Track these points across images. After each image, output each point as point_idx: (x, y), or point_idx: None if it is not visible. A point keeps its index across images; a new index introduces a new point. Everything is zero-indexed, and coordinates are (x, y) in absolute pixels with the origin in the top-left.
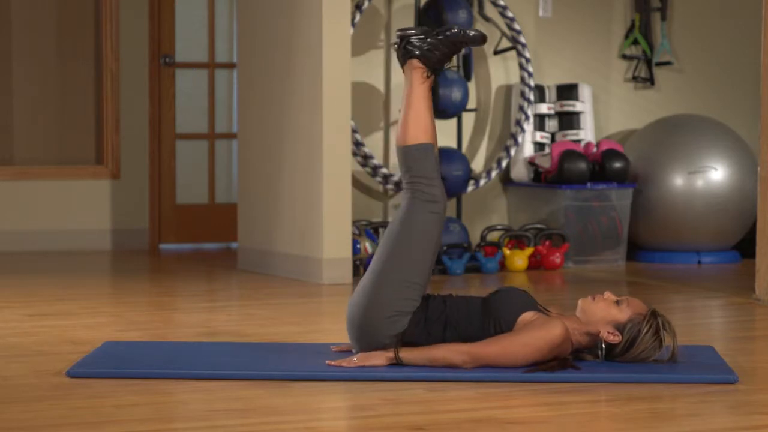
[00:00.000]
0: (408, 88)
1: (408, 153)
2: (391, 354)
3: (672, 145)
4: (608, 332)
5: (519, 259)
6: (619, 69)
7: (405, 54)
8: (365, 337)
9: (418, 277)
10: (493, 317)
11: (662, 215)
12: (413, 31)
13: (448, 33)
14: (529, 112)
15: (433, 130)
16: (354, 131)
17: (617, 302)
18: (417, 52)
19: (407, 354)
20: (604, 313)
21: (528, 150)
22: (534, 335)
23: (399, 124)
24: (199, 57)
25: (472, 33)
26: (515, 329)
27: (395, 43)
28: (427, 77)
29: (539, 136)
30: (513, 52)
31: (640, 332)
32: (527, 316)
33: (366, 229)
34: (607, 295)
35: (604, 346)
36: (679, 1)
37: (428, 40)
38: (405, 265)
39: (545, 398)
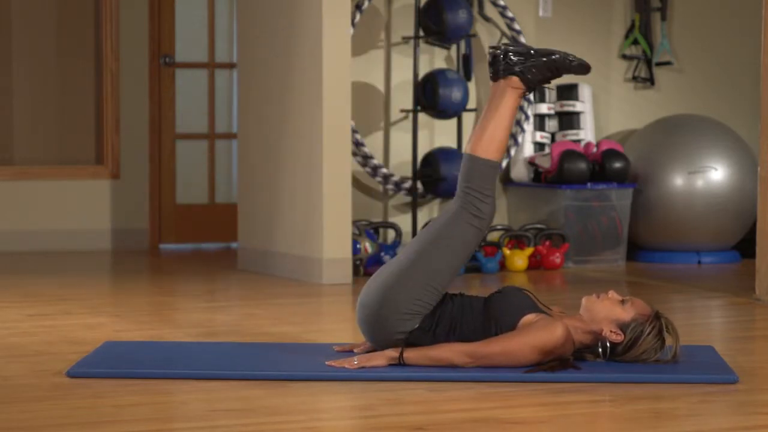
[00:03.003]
0: (498, 101)
1: (476, 164)
2: (391, 353)
3: (672, 145)
4: (611, 331)
5: (519, 259)
6: (619, 69)
7: (506, 69)
8: (374, 326)
9: (440, 284)
10: (494, 321)
11: (662, 215)
12: (513, 48)
13: (553, 57)
14: (529, 112)
15: (505, 150)
16: (354, 131)
17: (622, 302)
18: (518, 70)
19: (408, 353)
20: (607, 311)
21: (528, 150)
22: (535, 336)
23: (478, 130)
24: (199, 57)
25: (575, 62)
26: (517, 329)
27: (494, 56)
28: (520, 96)
29: (539, 136)
30: None
31: (643, 333)
32: (528, 318)
33: (366, 229)
34: (612, 294)
35: (607, 344)
36: (679, 1)
37: (531, 60)
38: (433, 268)
39: (545, 398)
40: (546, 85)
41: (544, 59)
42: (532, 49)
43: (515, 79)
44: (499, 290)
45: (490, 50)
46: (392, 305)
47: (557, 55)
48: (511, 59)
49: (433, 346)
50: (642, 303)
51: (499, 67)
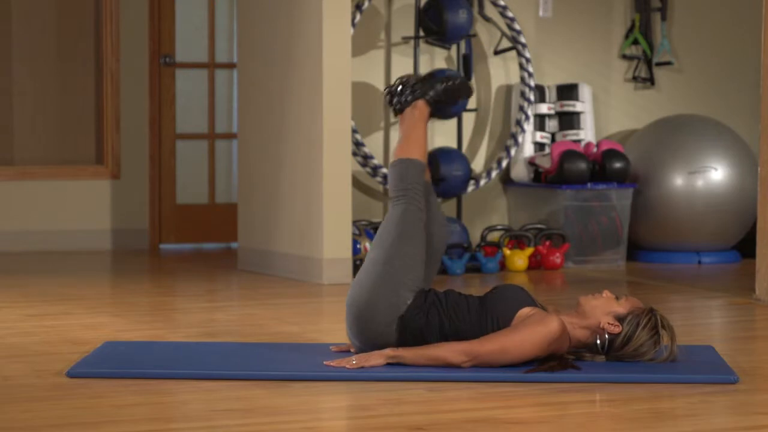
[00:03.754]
0: (410, 122)
1: (404, 164)
2: (389, 352)
3: (672, 145)
4: (609, 323)
5: (519, 259)
6: (619, 69)
7: (406, 101)
8: (365, 320)
9: (420, 264)
10: (491, 313)
11: (662, 215)
12: (406, 80)
13: (443, 83)
14: (530, 112)
15: (426, 154)
16: (354, 131)
17: (616, 298)
18: (418, 94)
19: (406, 352)
20: (604, 306)
21: (528, 150)
22: (531, 331)
23: (397, 144)
24: (199, 57)
25: (459, 83)
26: (512, 325)
27: (391, 92)
28: (428, 116)
29: (539, 136)
30: (513, 52)
31: (639, 325)
32: (525, 311)
33: (366, 229)
34: (606, 293)
35: (606, 336)
36: (679, 1)
37: (427, 85)
38: (408, 253)
39: (545, 398)
40: (441, 113)
41: (439, 84)
42: (424, 77)
43: (419, 102)
44: (495, 287)
45: (385, 91)
46: (382, 288)
47: (445, 82)
48: (408, 89)
49: (430, 345)
50: (636, 300)
51: (402, 99)
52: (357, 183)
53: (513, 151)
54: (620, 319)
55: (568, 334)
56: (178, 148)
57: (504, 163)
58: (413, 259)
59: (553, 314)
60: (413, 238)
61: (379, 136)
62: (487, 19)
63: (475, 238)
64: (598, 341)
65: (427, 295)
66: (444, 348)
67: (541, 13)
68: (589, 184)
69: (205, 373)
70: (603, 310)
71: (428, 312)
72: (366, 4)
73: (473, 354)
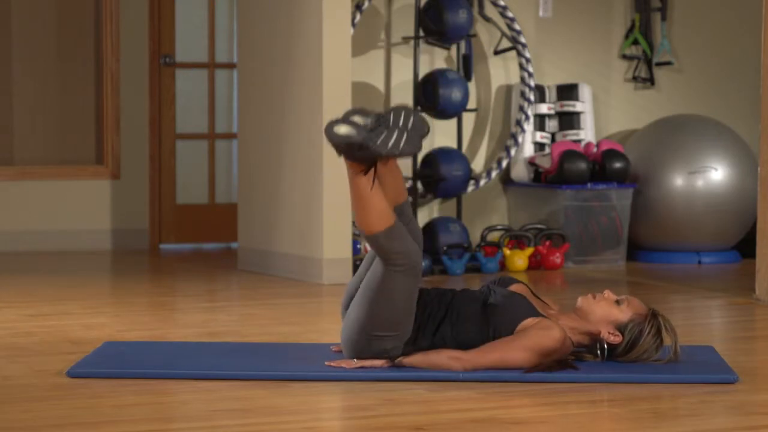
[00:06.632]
0: (349, 180)
1: (376, 241)
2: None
3: (672, 145)
4: (609, 333)
5: (519, 259)
6: (619, 69)
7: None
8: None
9: (403, 326)
10: (492, 326)
11: (662, 215)
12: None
13: (351, 140)
14: (530, 112)
15: (389, 209)
16: None
17: (617, 302)
18: (339, 153)
19: (406, 359)
20: (604, 312)
21: (528, 150)
22: (532, 341)
23: (356, 212)
24: (199, 57)
25: (379, 149)
26: (515, 332)
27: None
28: (363, 171)
29: (539, 136)
30: (513, 53)
31: (642, 333)
32: (527, 322)
33: None
34: (607, 294)
35: (606, 346)
36: (679, 1)
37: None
38: (387, 322)
39: (545, 398)
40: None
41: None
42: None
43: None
44: (497, 288)
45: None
46: (366, 350)
47: (371, 145)
48: (338, 145)
49: (432, 351)
50: (638, 302)
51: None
52: None
53: (513, 151)
54: (621, 327)
55: (570, 340)
56: (178, 148)
57: (504, 163)
58: (398, 321)
59: (555, 325)
60: (396, 306)
61: None
62: (487, 19)
63: (475, 238)
64: (599, 351)
65: (418, 333)
66: (445, 355)
67: (541, 13)
68: (589, 184)
69: (205, 373)
70: (603, 318)
71: (433, 338)
72: (366, 4)
73: (474, 362)
